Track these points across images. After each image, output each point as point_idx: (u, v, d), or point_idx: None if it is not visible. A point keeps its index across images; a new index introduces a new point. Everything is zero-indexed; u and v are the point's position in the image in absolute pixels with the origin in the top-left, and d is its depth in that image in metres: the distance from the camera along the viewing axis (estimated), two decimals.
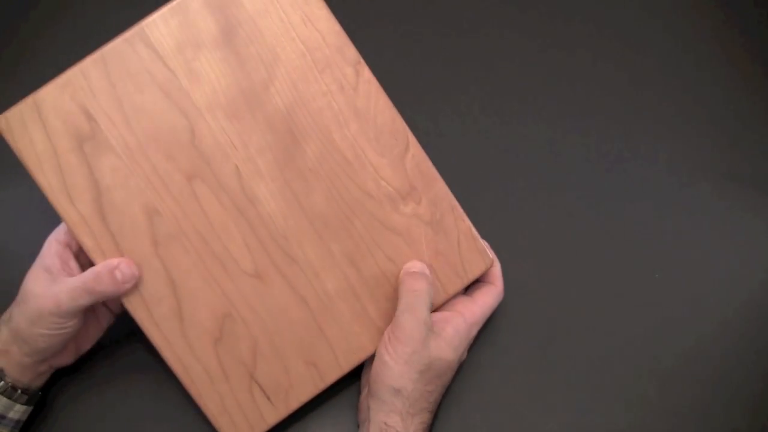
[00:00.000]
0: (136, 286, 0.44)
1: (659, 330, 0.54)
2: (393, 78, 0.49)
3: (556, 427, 0.51)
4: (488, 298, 0.49)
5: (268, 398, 0.46)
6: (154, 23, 0.43)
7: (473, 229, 0.48)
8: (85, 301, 0.42)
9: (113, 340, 0.52)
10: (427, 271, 0.47)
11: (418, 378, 0.44)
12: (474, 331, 0.49)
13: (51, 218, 0.45)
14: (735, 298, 0.55)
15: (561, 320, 0.54)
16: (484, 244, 0.49)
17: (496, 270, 0.50)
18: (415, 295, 0.45)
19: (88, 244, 0.43)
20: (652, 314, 0.54)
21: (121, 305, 0.49)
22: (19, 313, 0.44)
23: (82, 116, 0.43)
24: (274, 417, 0.46)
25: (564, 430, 0.51)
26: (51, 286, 0.43)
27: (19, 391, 0.45)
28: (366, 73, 0.46)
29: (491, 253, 0.50)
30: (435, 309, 0.48)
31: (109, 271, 0.43)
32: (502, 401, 0.52)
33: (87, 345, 0.49)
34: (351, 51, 0.46)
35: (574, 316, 0.54)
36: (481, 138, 0.59)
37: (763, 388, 0.53)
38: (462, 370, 0.52)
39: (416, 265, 0.47)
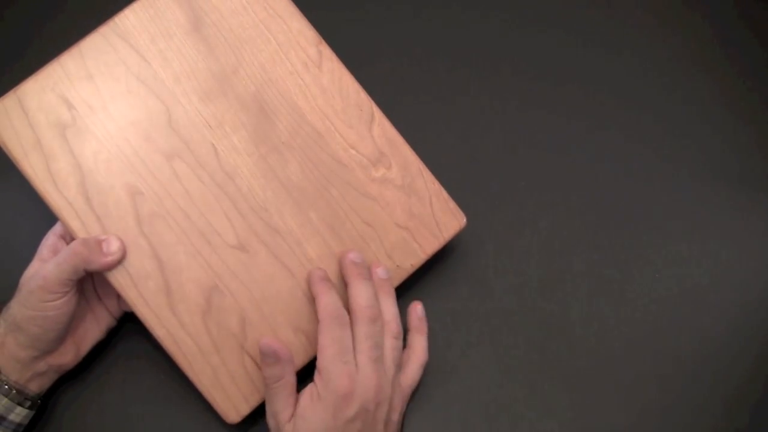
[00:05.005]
0: (123, 264, 0.45)
1: (659, 329, 0.54)
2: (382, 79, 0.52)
3: (556, 427, 0.51)
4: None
5: (260, 369, 0.46)
6: (126, 17, 0.46)
7: (444, 191, 0.51)
8: (68, 266, 0.43)
9: (113, 345, 0.52)
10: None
11: None
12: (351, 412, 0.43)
13: (52, 219, 0.46)
14: (735, 298, 0.55)
15: (560, 320, 0.54)
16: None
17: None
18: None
19: (75, 227, 0.45)
20: (652, 314, 0.54)
21: (120, 307, 0.50)
22: (15, 301, 0.45)
23: (63, 106, 0.45)
24: None
25: (564, 430, 0.51)
26: (41, 268, 0.45)
27: (15, 391, 0.45)
28: (327, 52, 0.49)
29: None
30: (413, 271, 0.50)
31: (96, 240, 0.44)
32: (502, 401, 0.52)
33: (86, 345, 0.49)
34: (312, 33, 0.49)
35: (574, 316, 0.54)
36: (480, 136, 0.59)
37: (764, 387, 0.52)
38: (462, 369, 0.52)
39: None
